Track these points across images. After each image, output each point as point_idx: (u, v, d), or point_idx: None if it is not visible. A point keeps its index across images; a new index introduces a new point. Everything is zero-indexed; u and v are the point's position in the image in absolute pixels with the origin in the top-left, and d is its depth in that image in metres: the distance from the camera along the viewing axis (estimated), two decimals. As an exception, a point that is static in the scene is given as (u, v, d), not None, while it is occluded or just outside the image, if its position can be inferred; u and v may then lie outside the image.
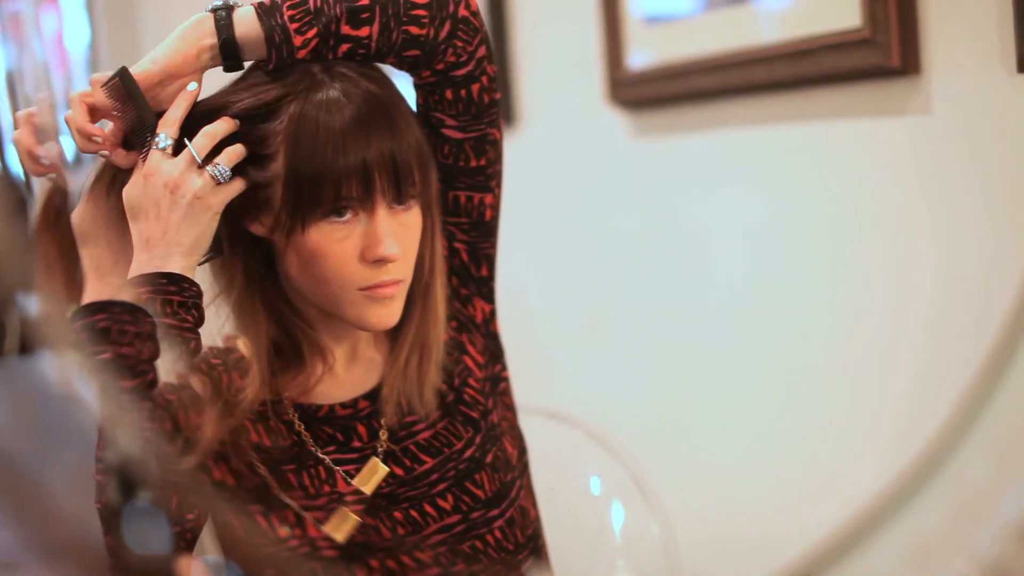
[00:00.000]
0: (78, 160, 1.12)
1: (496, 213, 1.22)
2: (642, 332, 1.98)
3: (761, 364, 1.72)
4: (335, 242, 1.08)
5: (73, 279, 1.10)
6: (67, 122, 1.08)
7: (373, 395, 1.18)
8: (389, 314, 1.12)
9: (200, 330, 1.09)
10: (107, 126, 1.09)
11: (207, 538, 1.08)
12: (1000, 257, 1.32)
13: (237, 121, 1.08)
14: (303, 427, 1.16)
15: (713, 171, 1.79)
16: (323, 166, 1.05)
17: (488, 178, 1.19)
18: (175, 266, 1.05)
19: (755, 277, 1.73)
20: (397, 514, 1.15)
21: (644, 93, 1.87)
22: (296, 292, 1.14)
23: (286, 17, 1.07)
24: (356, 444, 1.16)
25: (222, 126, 1.08)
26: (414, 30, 1.09)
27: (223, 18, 1.07)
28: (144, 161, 1.07)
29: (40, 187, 1.12)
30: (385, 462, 1.16)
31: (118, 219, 1.09)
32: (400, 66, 1.13)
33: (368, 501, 1.14)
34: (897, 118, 1.45)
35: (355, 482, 1.14)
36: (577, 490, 1.51)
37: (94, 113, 1.08)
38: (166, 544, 0.69)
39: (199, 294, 1.07)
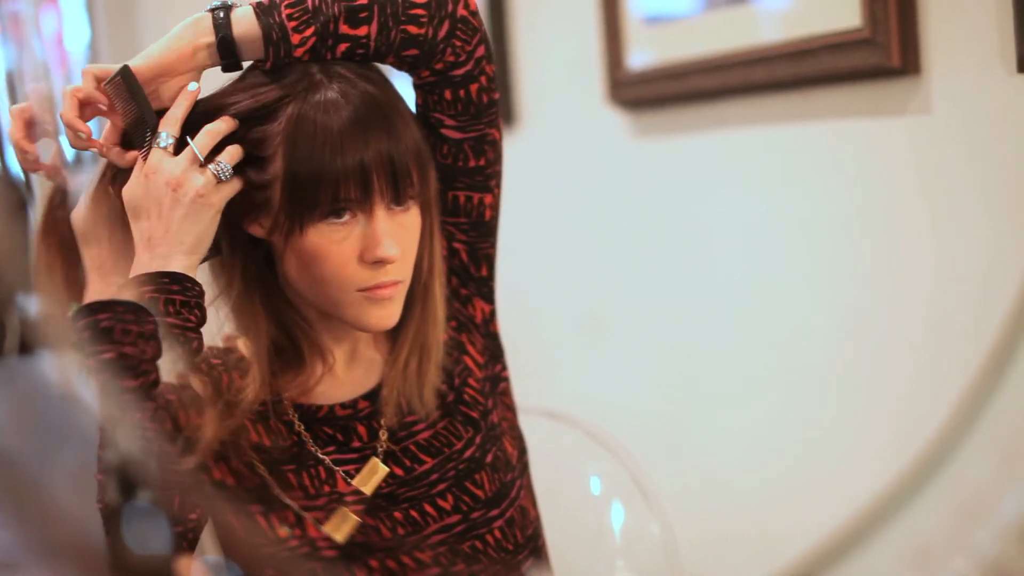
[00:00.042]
0: (78, 160, 1.12)
1: (496, 213, 1.21)
2: (642, 332, 1.98)
3: (761, 364, 1.72)
4: (334, 243, 1.08)
5: (73, 279, 1.10)
6: (60, 117, 1.08)
7: (373, 395, 1.18)
8: (388, 315, 1.12)
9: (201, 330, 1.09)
10: (105, 124, 1.09)
11: (207, 538, 1.08)
12: (1000, 257, 1.32)
13: (237, 121, 1.08)
14: (303, 427, 1.16)
15: (713, 171, 1.78)
16: (321, 167, 1.05)
17: (487, 178, 1.19)
18: (177, 265, 1.05)
19: (755, 277, 1.73)
20: (397, 514, 1.15)
21: (644, 93, 1.87)
22: (295, 293, 1.14)
23: (284, 16, 1.07)
24: (356, 444, 1.16)
25: (223, 125, 1.08)
26: (413, 29, 1.09)
27: (221, 17, 1.07)
28: (145, 160, 1.07)
29: (40, 187, 1.12)
30: (385, 462, 1.16)
31: (119, 218, 1.09)
32: (399, 66, 1.13)
33: (368, 501, 1.14)
34: (897, 118, 1.45)
35: (355, 482, 1.14)
36: (577, 490, 1.51)
37: (86, 108, 1.08)
38: (166, 544, 0.69)
39: (201, 294, 1.08)
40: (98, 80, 1.08)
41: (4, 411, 0.79)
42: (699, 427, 1.85)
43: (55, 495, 0.72)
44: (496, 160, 1.19)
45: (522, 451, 1.25)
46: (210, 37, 1.07)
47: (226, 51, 1.08)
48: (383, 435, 1.17)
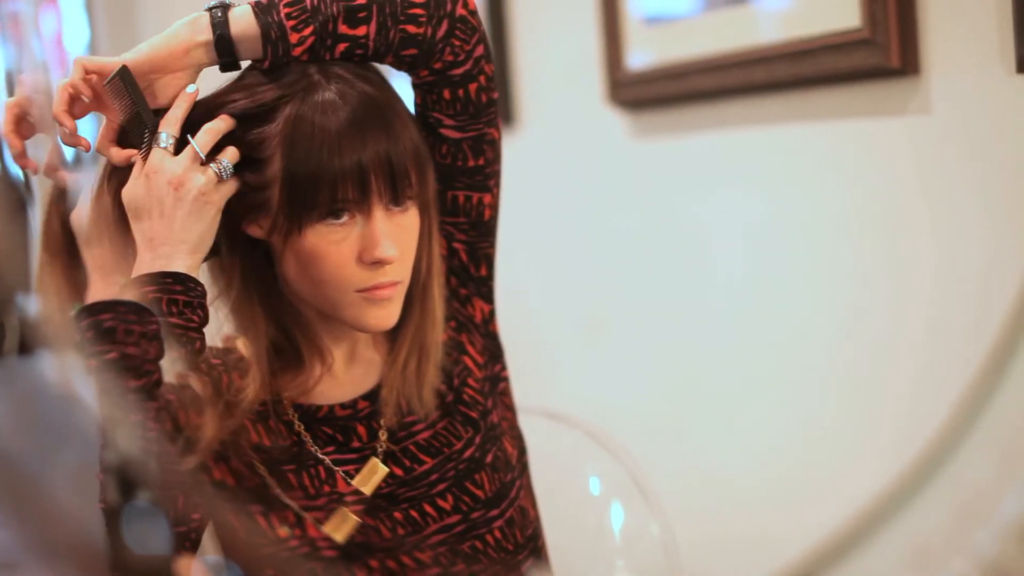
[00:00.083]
0: (78, 159, 1.12)
1: (495, 213, 1.22)
2: (642, 332, 1.98)
3: (761, 364, 1.72)
4: (332, 244, 1.08)
5: (74, 279, 1.09)
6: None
7: (372, 396, 1.18)
8: (387, 315, 1.12)
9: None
10: (102, 122, 1.09)
11: (207, 538, 1.08)
12: (1000, 257, 1.32)
13: (234, 120, 1.09)
14: (303, 427, 1.16)
15: (713, 171, 1.79)
16: (319, 168, 1.05)
17: (486, 178, 1.19)
18: (180, 265, 1.05)
19: (755, 277, 1.73)
20: (397, 514, 1.15)
21: (644, 93, 1.87)
22: (294, 293, 1.14)
23: (283, 15, 1.07)
24: (356, 444, 1.16)
25: (222, 123, 1.08)
26: (411, 29, 1.09)
27: (218, 15, 1.07)
28: (144, 160, 1.07)
29: (40, 187, 1.12)
30: (385, 462, 1.16)
31: (121, 219, 1.09)
32: (398, 66, 1.13)
33: (368, 501, 1.14)
34: (897, 118, 1.45)
35: (355, 482, 1.14)
36: (577, 490, 1.51)
37: (76, 103, 1.08)
38: (166, 544, 0.69)
39: (204, 294, 1.08)
40: (87, 72, 1.08)
41: (4, 411, 0.79)
42: (699, 427, 1.85)
43: (55, 495, 0.72)
44: (495, 160, 1.19)
45: (522, 451, 1.25)
46: (207, 35, 1.07)
47: (224, 49, 1.08)
48: (383, 435, 1.17)
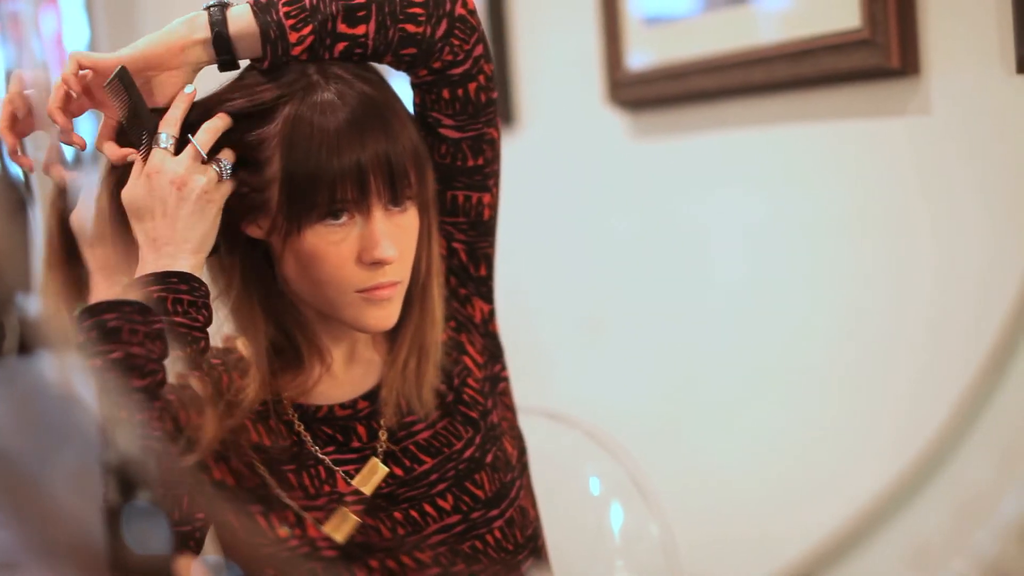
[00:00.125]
0: (78, 158, 1.12)
1: (494, 212, 1.22)
2: (642, 332, 1.98)
3: (761, 364, 1.72)
4: (332, 245, 1.08)
5: (74, 279, 1.09)
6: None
7: (372, 396, 1.18)
8: (387, 316, 1.12)
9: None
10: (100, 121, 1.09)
11: (207, 538, 1.08)
12: (1000, 257, 1.32)
13: (231, 118, 1.09)
14: (303, 427, 1.16)
15: (713, 171, 1.79)
16: (318, 168, 1.05)
17: (486, 177, 1.19)
18: (184, 264, 1.05)
19: (755, 278, 1.73)
20: (397, 514, 1.15)
21: (644, 94, 1.87)
22: (294, 294, 1.14)
23: (282, 14, 1.07)
24: (356, 444, 1.16)
25: (220, 122, 1.08)
26: (411, 28, 1.09)
27: (217, 13, 1.07)
28: (144, 161, 1.07)
29: (40, 187, 1.12)
30: (385, 462, 1.16)
31: (122, 219, 1.09)
32: (397, 65, 1.13)
33: (368, 501, 1.14)
34: (897, 118, 1.45)
35: (355, 482, 1.14)
36: (576, 490, 1.51)
37: (71, 99, 1.08)
38: (166, 544, 0.69)
39: (208, 294, 1.08)
40: (81, 67, 1.08)
41: (4, 411, 0.79)
42: (699, 427, 1.85)
43: (55, 495, 0.72)
44: (494, 159, 1.19)
45: (522, 451, 1.25)
46: (205, 33, 1.07)
47: (222, 47, 1.08)
48: (383, 435, 1.17)
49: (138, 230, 1.07)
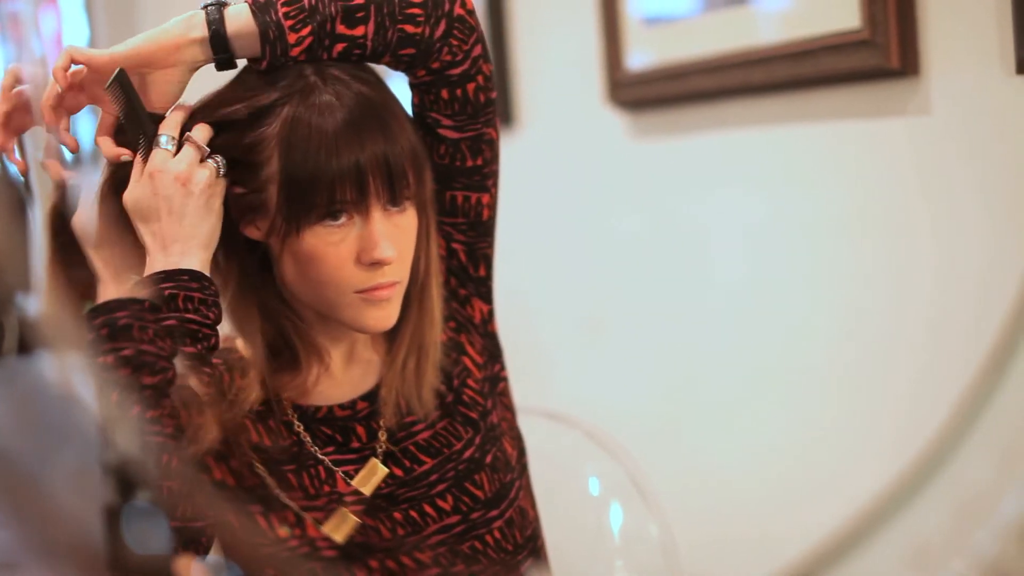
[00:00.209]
0: (78, 156, 1.11)
1: (493, 213, 1.22)
2: (642, 332, 1.98)
3: (761, 364, 1.72)
4: (330, 245, 1.08)
5: (75, 279, 1.09)
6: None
7: (371, 396, 1.18)
8: (386, 316, 1.12)
9: None
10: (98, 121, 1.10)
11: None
12: (1000, 257, 1.32)
13: (229, 121, 1.09)
14: (302, 428, 1.16)
15: (713, 172, 1.79)
16: (316, 169, 1.05)
17: (485, 178, 1.19)
18: (194, 262, 1.05)
19: (755, 278, 1.73)
20: (397, 515, 1.15)
21: (644, 94, 1.87)
22: (292, 295, 1.14)
23: (280, 14, 1.07)
24: (355, 445, 1.16)
25: (208, 120, 1.09)
26: (409, 28, 1.09)
27: (214, 12, 1.07)
28: (145, 162, 1.07)
29: (40, 187, 1.12)
30: (384, 463, 1.16)
31: (126, 222, 1.08)
32: (396, 66, 1.13)
33: (367, 502, 1.14)
34: (897, 118, 1.45)
35: (354, 483, 1.14)
36: (576, 491, 1.51)
37: (62, 96, 1.08)
38: (166, 544, 0.69)
39: (217, 292, 1.08)
40: (74, 61, 1.07)
41: (4, 411, 0.79)
42: (699, 427, 1.85)
43: (55, 495, 0.72)
44: (493, 159, 1.19)
45: (521, 452, 1.25)
46: (202, 31, 1.07)
47: (219, 46, 1.07)
48: (382, 436, 1.17)
49: (144, 232, 1.06)
